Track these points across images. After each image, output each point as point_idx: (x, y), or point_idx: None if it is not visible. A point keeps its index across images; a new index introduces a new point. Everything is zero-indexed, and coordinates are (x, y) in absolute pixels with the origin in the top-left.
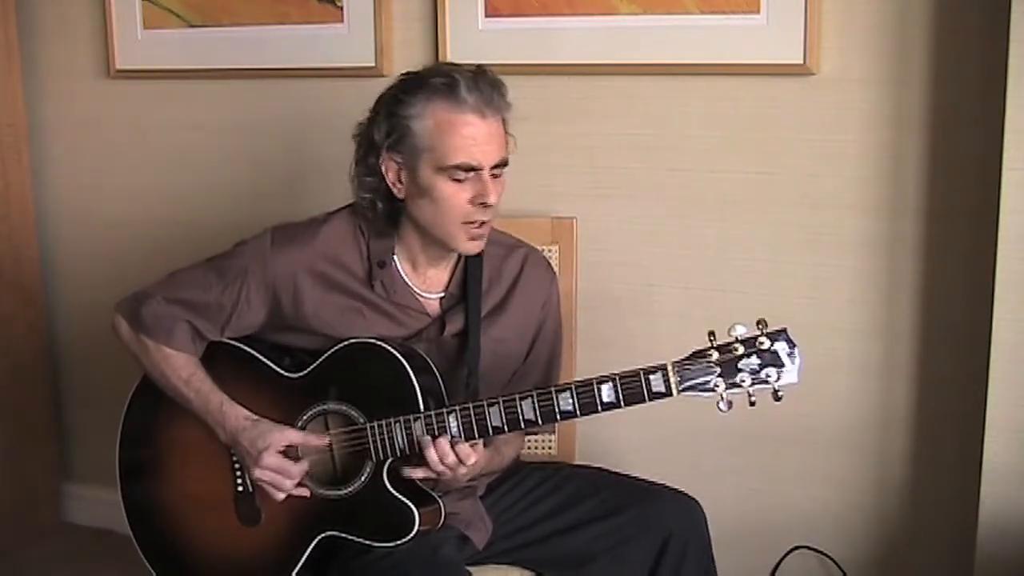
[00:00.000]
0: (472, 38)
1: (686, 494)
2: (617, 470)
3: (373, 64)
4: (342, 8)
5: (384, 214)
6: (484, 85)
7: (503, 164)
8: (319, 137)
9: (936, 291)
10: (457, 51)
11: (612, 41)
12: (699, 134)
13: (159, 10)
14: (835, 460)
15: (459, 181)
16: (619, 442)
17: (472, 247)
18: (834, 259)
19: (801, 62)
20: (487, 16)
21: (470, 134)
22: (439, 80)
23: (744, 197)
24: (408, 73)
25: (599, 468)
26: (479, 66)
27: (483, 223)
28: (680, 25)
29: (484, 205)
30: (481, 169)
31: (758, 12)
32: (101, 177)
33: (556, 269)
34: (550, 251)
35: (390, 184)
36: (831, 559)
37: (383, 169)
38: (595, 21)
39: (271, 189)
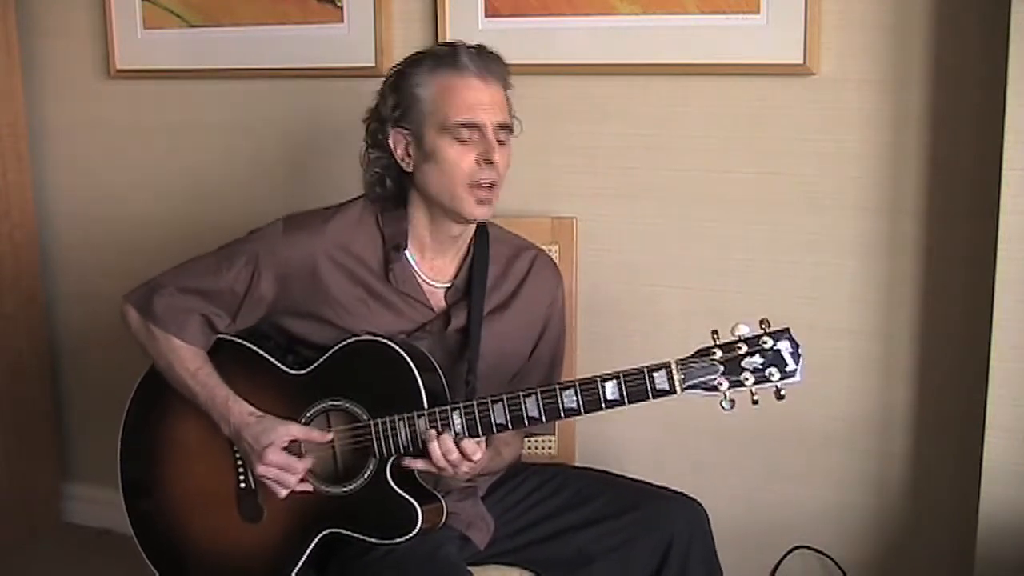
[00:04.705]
0: (472, 38)
1: (689, 496)
2: (618, 471)
3: (373, 64)
4: (342, 8)
5: (393, 193)
6: (485, 55)
7: (507, 128)
8: (319, 137)
9: (936, 291)
10: None
11: (612, 41)
12: (699, 134)
13: (159, 10)
14: (835, 460)
15: (463, 142)
16: (619, 442)
17: (480, 211)
18: (834, 259)
19: (801, 62)
20: (487, 16)
21: (472, 95)
22: (442, 50)
23: (744, 197)
24: (413, 52)
25: (601, 470)
26: (480, 44)
27: (491, 186)
28: (680, 25)
29: (489, 162)
30: (484, 127)
31: (758, 12)
32: (101, 177)
33: None
34: (550, 251)
35: (398, 159)
36: (831, 559)
37: (391, 144)
38: (595, 21)
39: (271, 189)
